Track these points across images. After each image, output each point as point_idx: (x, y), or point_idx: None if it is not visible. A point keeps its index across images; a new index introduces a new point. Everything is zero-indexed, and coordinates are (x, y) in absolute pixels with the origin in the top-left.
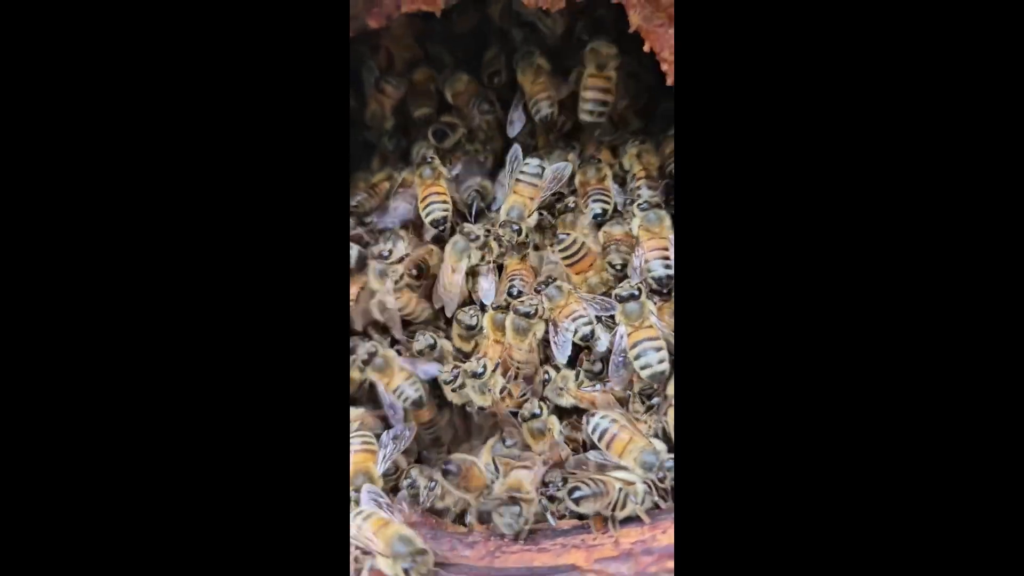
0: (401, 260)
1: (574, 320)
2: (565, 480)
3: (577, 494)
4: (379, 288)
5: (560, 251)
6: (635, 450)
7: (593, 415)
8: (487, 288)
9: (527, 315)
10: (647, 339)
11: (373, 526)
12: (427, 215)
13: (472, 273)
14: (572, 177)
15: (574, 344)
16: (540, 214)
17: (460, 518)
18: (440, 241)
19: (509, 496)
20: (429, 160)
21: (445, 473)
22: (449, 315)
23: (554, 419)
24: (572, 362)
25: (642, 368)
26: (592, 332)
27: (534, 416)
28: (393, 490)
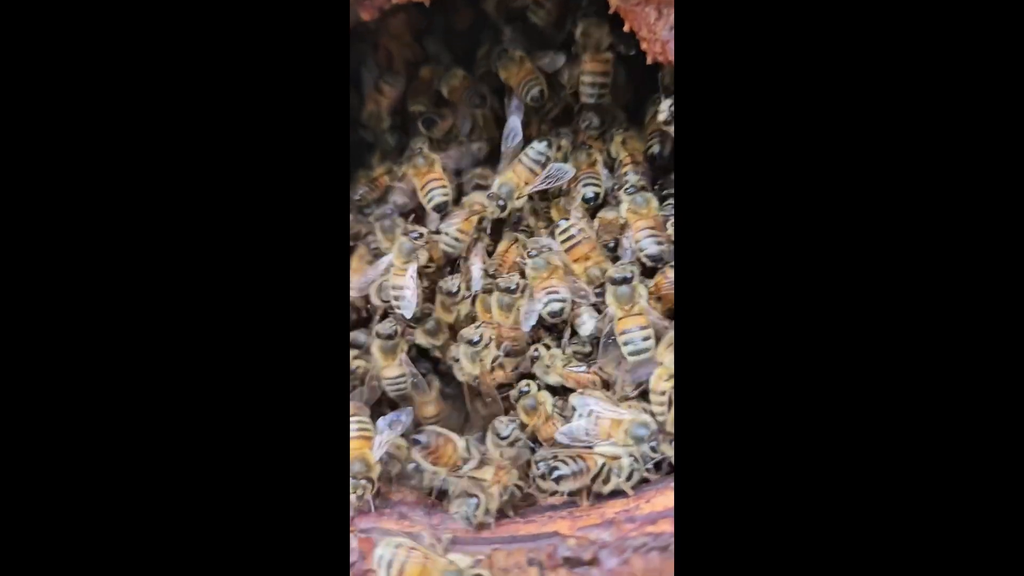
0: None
1: (548, 294)
2: (551, 469)
3: (557, 474)
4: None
5: (559, 235)
6: (622, 428)
7: (573, 410)
8: (476, 275)
9: (509, 290)
10: (636, 327)
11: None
12: (429, 201)
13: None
14: (565, 157)
15: (542, 318)
16: (530, 199)
17: (442, 495)
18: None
19: (467, 489)
20: (419, 150)
21: (415, 443)
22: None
23: (545, 394)
24: (556, 337)
25: (629, 354)
26: (561, 310)
27: (523, 394)
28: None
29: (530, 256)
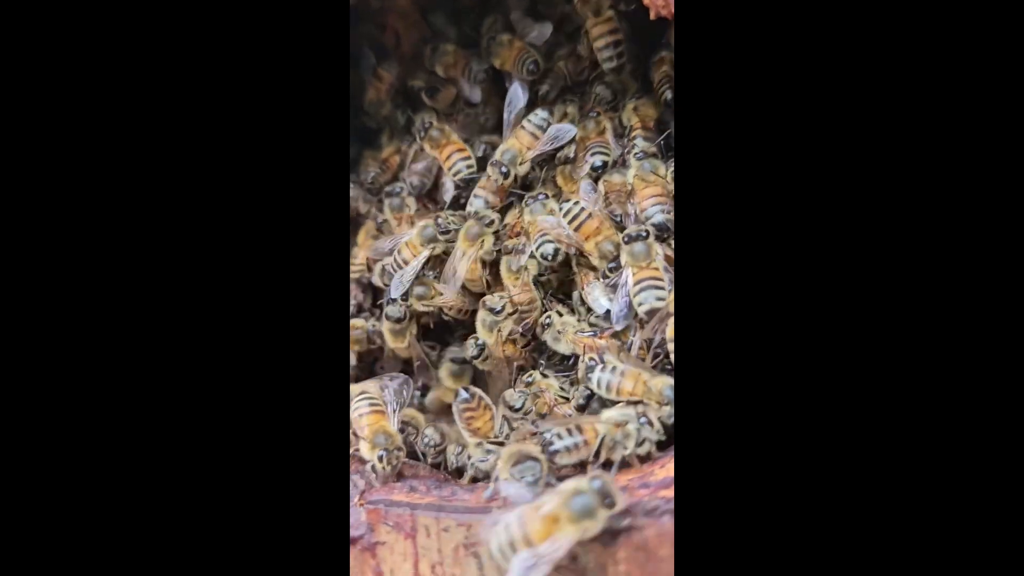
0: None
1: (542, 236)
2: (546, 444)
3: (552, 448)
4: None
5: (565, 215)
6: (649, 385)
7: (591, 371)
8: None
9: (516, 250)
10: (651, 278)
11: (368, 419)
12: (456, 174)
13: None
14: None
15: (540, 262)
16: (532, 166)
17: (459, 472)
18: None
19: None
20: (429, 123)
21: (457, 395)
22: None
23: (551, 381)
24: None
25: (640, 304)
26: (555, 251)
27: (528, 384)
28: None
29: (526, 205)
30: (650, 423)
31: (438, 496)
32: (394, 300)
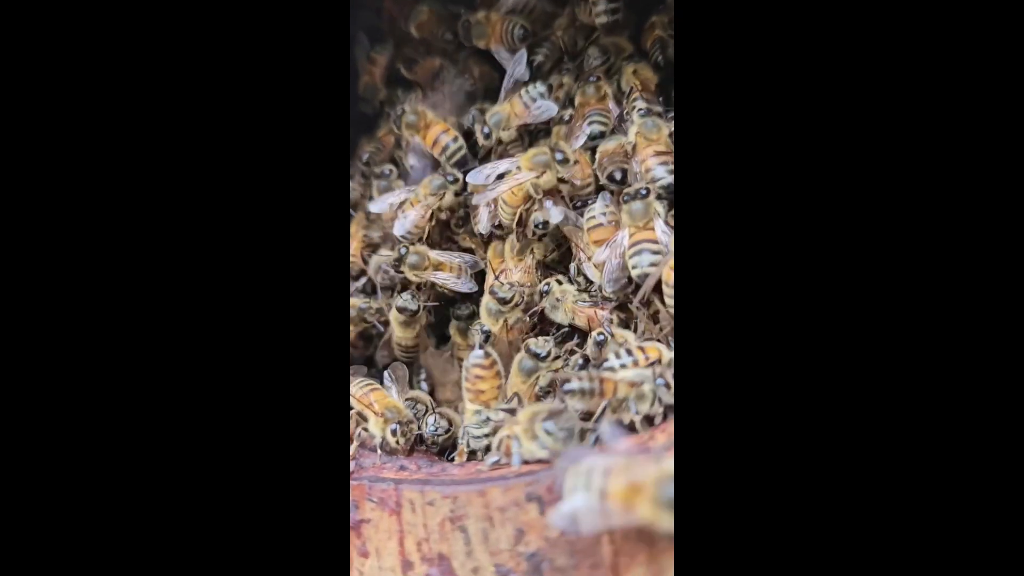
0: None
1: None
2: (563, 380)
3: (567, 387)
4: None
5: (586, 215)
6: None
7: (607, 359)
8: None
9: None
10: (647, 240)
11: (375, 395)
12: (449, 158)
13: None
14: (568, 94)
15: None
16: (518, 134)
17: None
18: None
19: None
20: (401, 112)
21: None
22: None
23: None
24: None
25: (633, 268)
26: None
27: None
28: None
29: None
30: (667, 385)
31: (427, 473)
32: (399, 261)
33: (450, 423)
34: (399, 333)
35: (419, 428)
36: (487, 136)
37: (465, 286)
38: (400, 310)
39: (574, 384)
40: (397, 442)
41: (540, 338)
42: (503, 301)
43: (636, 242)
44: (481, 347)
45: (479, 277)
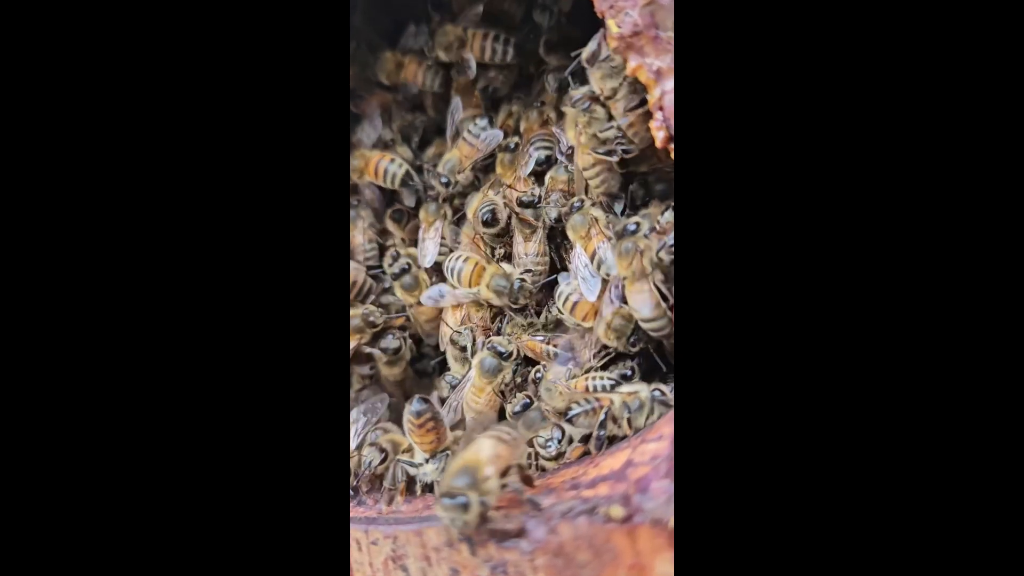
0: None
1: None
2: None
3: (571, 414)
4: None
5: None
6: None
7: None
8: (430, 250)
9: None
10: (600, 243)
11: None
12: (392, 180)
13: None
14: (517, 121)
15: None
16: (474, 174)
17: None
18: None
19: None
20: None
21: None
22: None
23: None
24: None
25: (602, 271)
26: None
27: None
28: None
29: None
30: (662, 393)
31: (376, 511)
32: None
33: (385, 455)
34: (384, 372)
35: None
36: (447, 184)
37: None
38: (382, 350)
39: (576, 410)
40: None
41: (504, 336)
42: (502, 356)
43: (594, 249)
44: (421, 399)
45: None
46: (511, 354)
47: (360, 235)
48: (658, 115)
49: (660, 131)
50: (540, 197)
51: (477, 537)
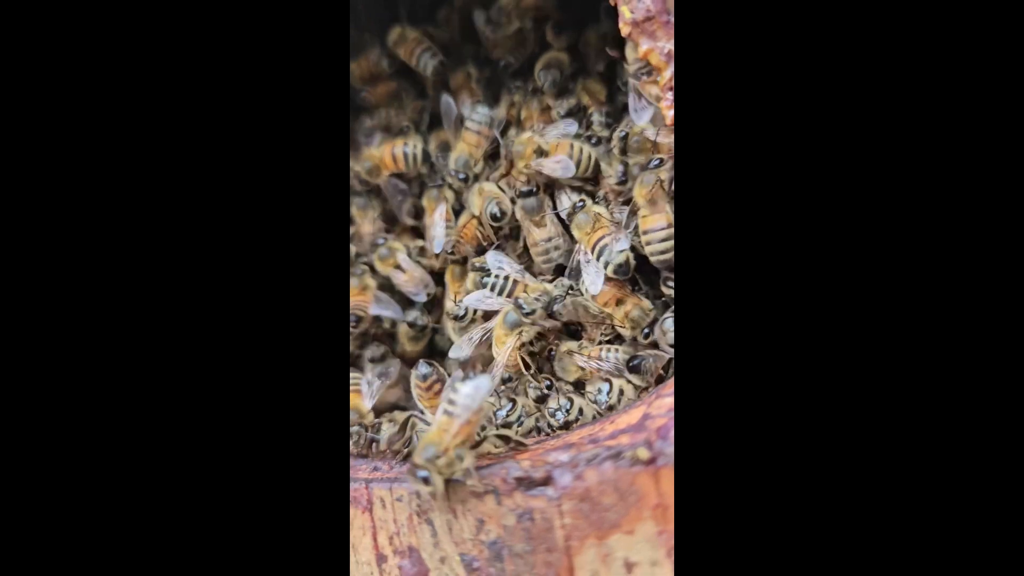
0: None
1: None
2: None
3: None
4: None
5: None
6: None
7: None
8: (438, 234)
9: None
10: (603, 236)
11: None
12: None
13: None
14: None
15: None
16: (484, 163)
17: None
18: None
19: None
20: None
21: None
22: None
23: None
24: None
25: (607, 266)
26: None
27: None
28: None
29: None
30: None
31: (397, 472)
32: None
33: (404, 428)
34: (407, 347)
35: (373, 433)
36: (464, 180)
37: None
38: (409, 324)
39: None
40: (355, 443)
41: (531, 295)
42: (525, 312)
43: (595, 243)
44: (427, 363)
45: None
46: (533, 311)
47: (369, 224)
48: (668, 95)
49: (670, 110)
50: (538, 186)
51: (503, 487)
